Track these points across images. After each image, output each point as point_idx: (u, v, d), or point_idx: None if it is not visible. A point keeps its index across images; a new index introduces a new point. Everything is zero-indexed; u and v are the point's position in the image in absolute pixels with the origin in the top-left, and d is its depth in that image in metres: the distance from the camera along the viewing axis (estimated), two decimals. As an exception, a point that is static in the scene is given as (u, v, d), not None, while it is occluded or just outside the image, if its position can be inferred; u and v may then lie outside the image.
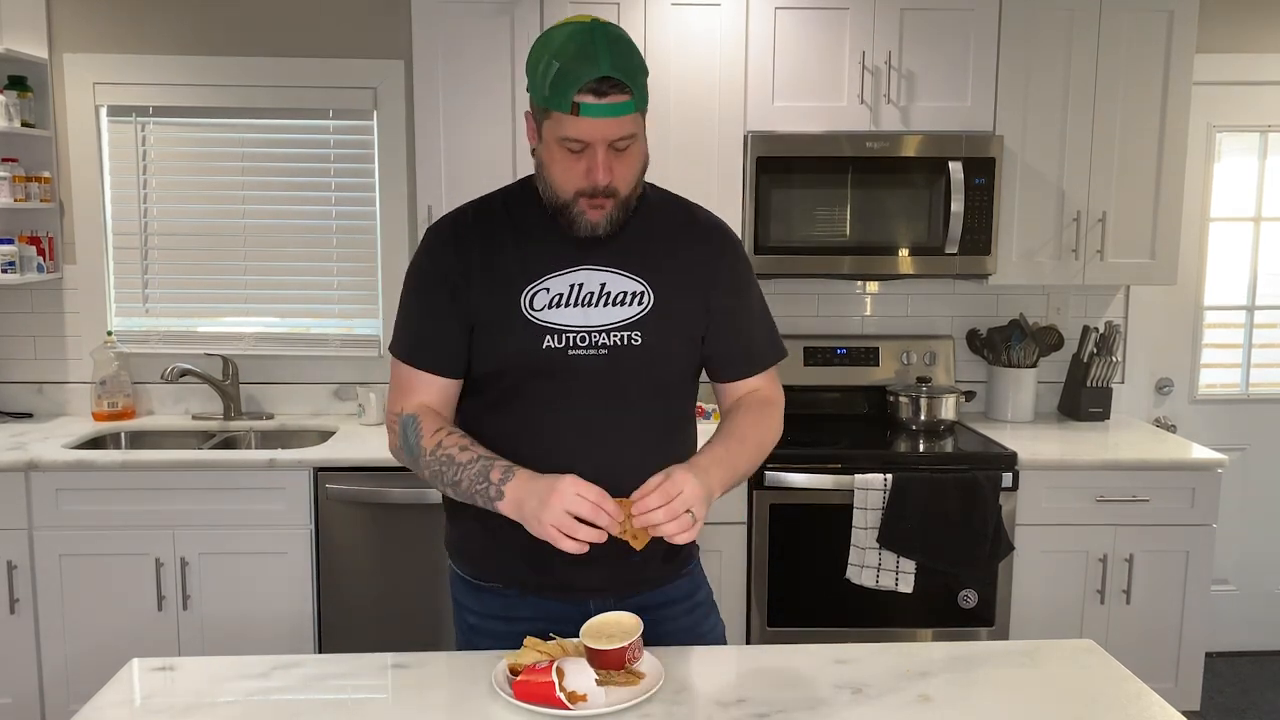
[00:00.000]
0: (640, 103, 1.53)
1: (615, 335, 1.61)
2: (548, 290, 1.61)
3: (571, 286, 1.61)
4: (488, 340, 1.63)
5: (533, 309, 1.60)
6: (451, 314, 1.63)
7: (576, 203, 1.55)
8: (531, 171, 1.66)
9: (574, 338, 1.60)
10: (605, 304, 1.61)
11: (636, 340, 1.62)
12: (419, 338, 1.66)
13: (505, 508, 1.51)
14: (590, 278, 1.62)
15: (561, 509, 1.43)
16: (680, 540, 1.47)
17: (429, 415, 1.64)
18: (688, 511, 1.45)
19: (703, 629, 1.76)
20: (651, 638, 1.58)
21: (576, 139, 1.50)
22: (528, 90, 1.57)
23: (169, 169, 3.48)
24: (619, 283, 1.62)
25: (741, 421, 1.70)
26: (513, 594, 1.70)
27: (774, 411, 1.75)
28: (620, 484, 1.56)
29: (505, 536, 1.63)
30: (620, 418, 1.64)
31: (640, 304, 1.62)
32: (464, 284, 1.63)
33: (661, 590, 1.72)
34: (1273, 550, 3.80)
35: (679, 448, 1.73)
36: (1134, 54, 3.17)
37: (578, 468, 1.53)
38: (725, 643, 1.83)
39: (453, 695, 1.49)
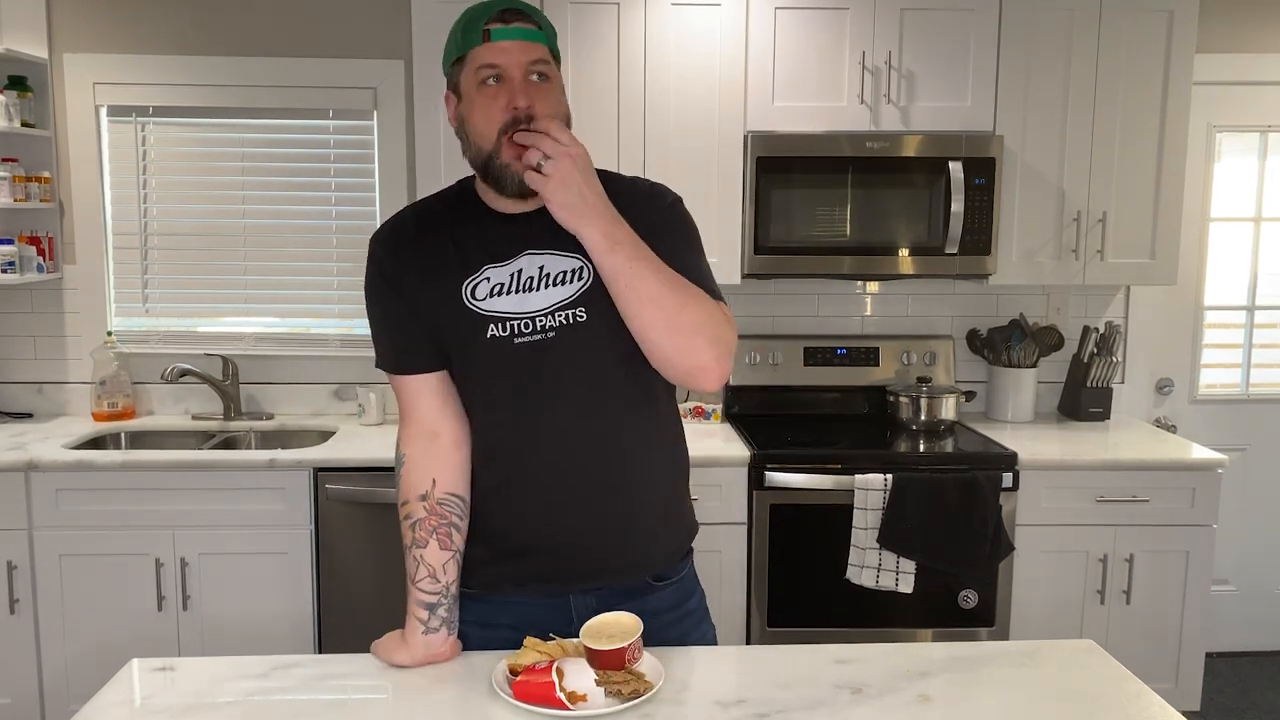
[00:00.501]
0: (550, 39, 1.56)
1: (559, 315, 1.57)
2: (488, 280, 1.59)
3: (511, 275, 1.59)
4: (437, 336, 1.62)
5: (474, 299, 1.59)
6: (409, 314, 1.63)
7: (500, 149, 1.51)
8: (468, 174, 1.66)
9: (518, 324, 1.57)
10: (546, 285, 1.58)
11: (582, 317, 1.57)
12: (394, 345, 1.66)
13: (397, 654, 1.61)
14: (529, 263, 1.59)
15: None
16: (525, 166, 1.45)
17: (412, 467, 1.64)
18: (548, 159, 1.43)
19: (692, 639, 1.73)
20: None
21: (492, 64, 1.51)
22: (446, 75, 1.60)
23: (169, 169, 3.48)
24: (557, 262, 1.59)
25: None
26: (494, 600, 1.68)
27: (721, 315, 1.57)
28: (606, 467, 1.60)
29: (482, 539, 1.66)
30: (583, 402, 1.60)
31: (580, 279, 1.58)
32: (408, 284, 1.62)
33: (647, 599, 1.67)
34: (1273, 550, 3.80)
35: (654, 428, 1.68)
36: (1134, 54, 3.17)
37: (557, 450, 1.59)
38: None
39: (453, 695, 1.49)
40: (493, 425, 1.63)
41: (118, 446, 3.31)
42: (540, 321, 1.57)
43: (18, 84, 3.27)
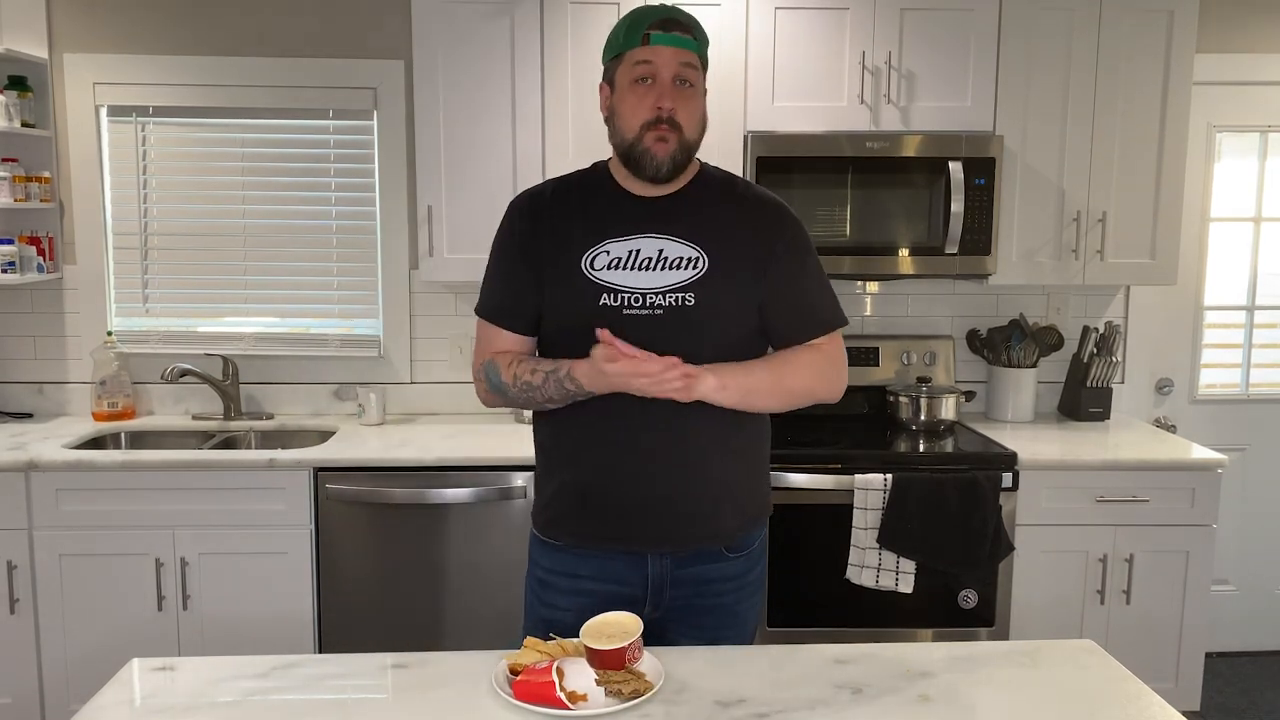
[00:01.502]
0: (702, 49, 1.76)
1: (670, 296, 1.73)
2: (608, 253, 1.75)
3: (630, 252, 1.75)
4: (552, 297, 1.78)
5: (593, 269, 1.74)
6: (524, 277, 1.81)
7: (643, 138, 1.71)
8: (598, 159, 1.86)
9: (629, 298, 1.73)
10: (662, 268, 1.74)
11: (690, 301, 1.73)
12: (498, 300, 1.85)
13: (599, 391, 1.70)
14: (649, 244, 1.75)
15: (617, 380, 1.66)
16: (677, 391, 1.64)
17: (502, 356, 1.83)
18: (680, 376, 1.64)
19: (743, 607, 1.88)
20: (691, 612, 1.78)
21: (646, 61, 1.71)
22: (604, 64, 1.82)
23: (169, 169, 3.48)
24: (676, 249, 1.75)
25: (777, 355, 1.83)
26: (579, 552, 1.83)
27: (822, 361, 1.82)
28: (680, 441, 1.74)
29: (570, 489, 1.81)
30: None
31: (695, 268, 1.75)
32: (534, 249, 1.79)
33: (718, 566, 1.83)
34: (1273, 550, 3.80)
35: (737, 431, 1.81)
36: (1134, 54, 3.17)
37: (637, 426, 1.73)
38: (754, 626, 1.94)
39: (453, 695, 1.49)
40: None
41: (118, 446, 3.31)
42: (651, 299, 1.73)
43: (18, 84, 3.27)
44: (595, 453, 1.79)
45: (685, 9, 1.82)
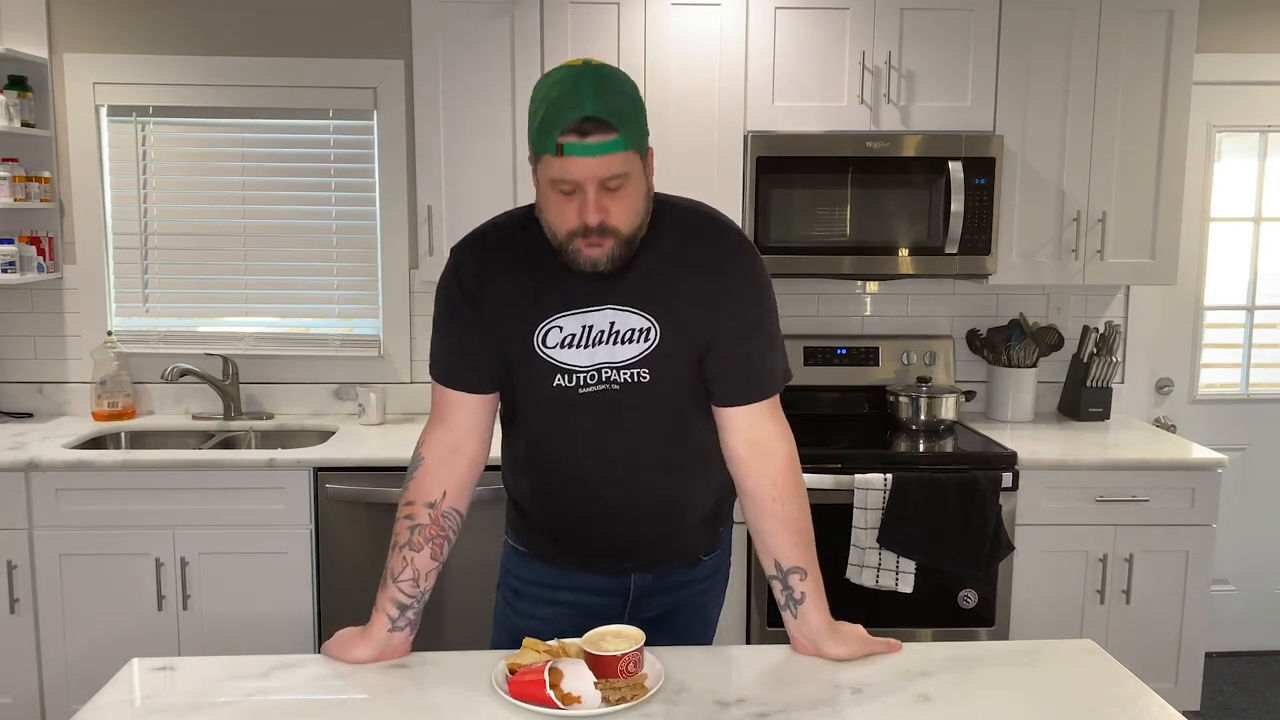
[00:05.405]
0: (632, 141, 1.49)
1: (625, 373, 1.62)
2: (560, 329, 1.62)
3: (584, 327, 1.61)
4: (507, 369, 1.67)
5: (545, 345, 1.62)
6: (478, 331, 1.65)
7: (572, 242, 1.53)
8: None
9: (584, 377, 1.62)
10: (614, 342, 1.61)
11: (645, 377, 1.63)
12: (451, 359, 1.69)
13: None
14: (600, 318, 1.61)
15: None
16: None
17: (427, 473, 1.67)
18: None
19: (710, 606, 1.91)
20: (662, 617, 1.77)
21: (564, 179, 1.48)
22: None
23: (169, 169, 3.47)
24: (627, 320, 1.61)
25: (789, 516, 1.73)
26: (559, 569, 1.80)
27: (794, 471, 1.77)
28: (638, 508, 1.71)
29: (550, 525, 1.77)
30: (635, 445, 1.68)
31: (647, 340, 1.61)
32: (483, 309, 1.64)
33: (695, 569, 1.84)
34: (1273, 550, 3.80)
35: (699, 473, 1.77)
36: (1134, 54, 3.17)
37: (597, 492, 1.69)
38: (718, 616, 1.95)
39: (452, 695, 1.49)
40: (547, 451, 1.72)
41: (118, 446, 3.31)
42: (606, 374, 1.63)
43: (18, 84, 3.27)
44: (558, 499, 1.74)
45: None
